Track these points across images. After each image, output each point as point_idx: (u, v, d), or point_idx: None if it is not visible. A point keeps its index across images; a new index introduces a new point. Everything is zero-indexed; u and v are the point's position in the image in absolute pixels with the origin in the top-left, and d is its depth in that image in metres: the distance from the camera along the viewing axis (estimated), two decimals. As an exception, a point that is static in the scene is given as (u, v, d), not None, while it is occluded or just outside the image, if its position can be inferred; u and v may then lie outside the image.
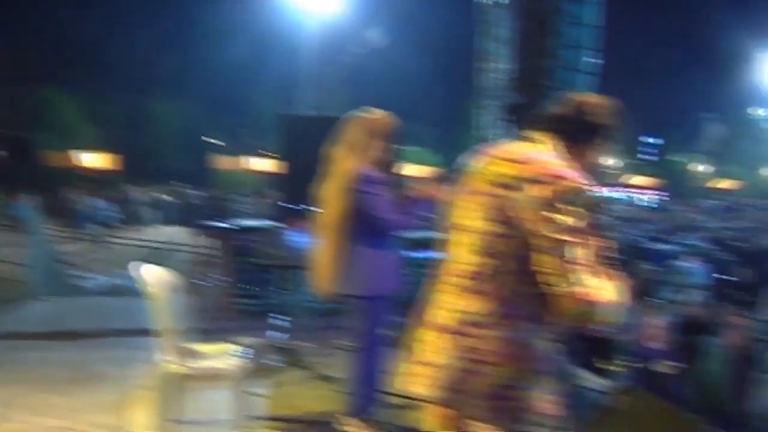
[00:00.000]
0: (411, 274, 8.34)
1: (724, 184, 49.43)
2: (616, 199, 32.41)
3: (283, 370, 5.80)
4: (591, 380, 3.24)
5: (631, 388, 3.82)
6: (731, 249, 14.75)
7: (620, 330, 2.60)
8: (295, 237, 8.12)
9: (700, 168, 47.98)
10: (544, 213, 2.10)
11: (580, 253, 2.08)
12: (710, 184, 48.16)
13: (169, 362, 4.12)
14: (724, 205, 35.10)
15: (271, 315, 6.89)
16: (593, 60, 7.90)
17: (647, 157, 49.14)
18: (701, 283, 13.04)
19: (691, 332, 6.58)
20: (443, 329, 2.26)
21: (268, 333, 6.52)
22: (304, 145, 8.38)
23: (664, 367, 6.21)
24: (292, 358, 5.79)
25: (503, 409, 2.17)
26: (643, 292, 7.99)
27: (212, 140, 38.79)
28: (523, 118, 8.32)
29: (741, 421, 5.66)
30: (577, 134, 2.35)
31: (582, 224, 2.10)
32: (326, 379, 5.65)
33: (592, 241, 2.12)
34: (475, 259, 2.24)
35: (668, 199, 33.30)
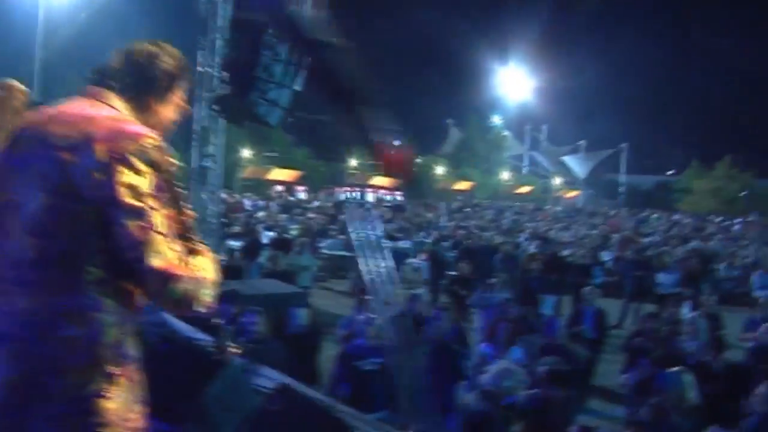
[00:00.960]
0: None
1: (462, 185, 52.75)
2: (351, 198, 33.45)
3: None
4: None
5: (284, 387, 3.56)
6: (455, 246, 15.64)
7: (219, 310, 2.31)
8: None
9: (440, 170, 50.84)
10: (117, 175, 1.78)
11: (161, 220, 1.82)
12: (449, 185, 51.18)
13: None
14: (458, 205, 37.55)
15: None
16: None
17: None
18: (426, 279, 13.70)
19: (403, 327, 6.61)
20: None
21: None
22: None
23: (372, 364, 6.16)
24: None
25: (76, 426, 1.80)
26: (362, 289, 7.98)
27: None
28: (230, 108, 7.98)
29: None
30: (139, 87, 2.03)
31: (159, 186, 1.83)
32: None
33: (172, 208, 1.86)
34: (29, 242, 1.81)
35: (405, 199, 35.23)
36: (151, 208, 1.81)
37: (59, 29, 24.96)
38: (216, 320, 2.25)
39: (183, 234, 2.00)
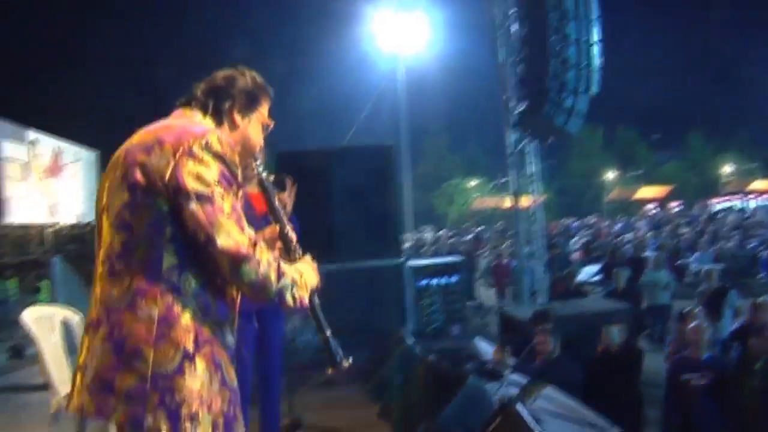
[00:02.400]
0: (429, 302, 8.11)
1: None
2: (727, 208, 30.21)
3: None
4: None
5: (505, 405, 3.25)
6: None
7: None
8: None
9: None
10: (184, 166, 1.94)
11: (229, 205, 1.95)
12: None
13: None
14: None
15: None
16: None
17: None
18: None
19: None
20: (92, 324, 2.00)
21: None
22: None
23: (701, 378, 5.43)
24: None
25: (156, 402, 1.89)
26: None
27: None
28: (531, 125, 7.78)
29: None
30: (218, 104, 2.20)
31: (225, 176, 1.97)
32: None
33: (238, 198, 2.01)
34: (115, 237, 2.00)
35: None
36: (219, 194, 1.94)
37: (420, 82, 27.14)
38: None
39: (284, 247, 2.29)
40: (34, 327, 3.84)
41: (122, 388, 1.89)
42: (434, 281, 8.12)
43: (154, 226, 1.95)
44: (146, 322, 1.92)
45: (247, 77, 2.25)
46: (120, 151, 2.08)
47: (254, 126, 2.26)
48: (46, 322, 4.00)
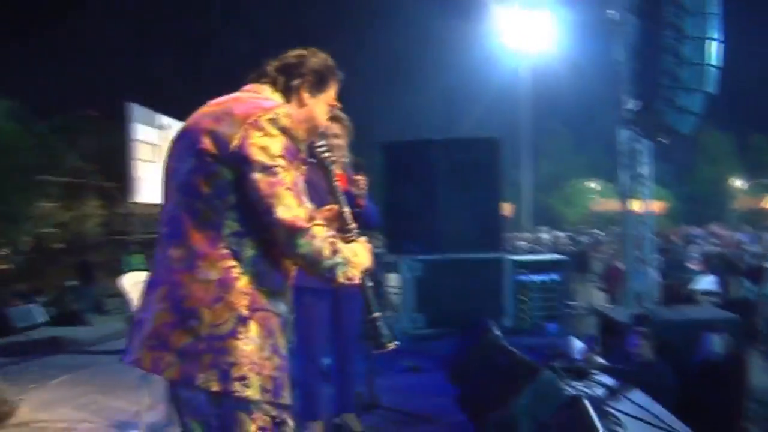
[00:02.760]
0: (531, 298, 8.04)
1: None
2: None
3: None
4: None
5: (574, 400, 3.21)
6: None
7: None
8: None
9: None
10: (250, 137, 2.01)
11: (291, 179, 2.02)
12: None
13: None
14: None
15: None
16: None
17: None
18: None
19: None
20: (152, 283, 2.12)
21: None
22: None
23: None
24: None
25: (209, 363, 1.97)
26: None
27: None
28: (641, 123, 7.56)
29: None
30: (288, 81, 2.29)
31: (289, 150, 2.05)
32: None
33: (301, 173, 2.09)
34: (179, 200, 2.10)
35: None
36: (282, 167, 2.01)
37: (544, 81, 26.71)
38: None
39: (340, 227, 2.31)
40: (132, 291, 4.11)
41: (177, 346, 1.98)
42: (534, 277, 8.05)
43: (217, 193, 2.03)
44: (204, 284, 2.00)
45: (319, 58, 2.33)
46: (190, 120, 2.18)
47: (321, 106, 2.34)
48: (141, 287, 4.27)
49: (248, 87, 2.27)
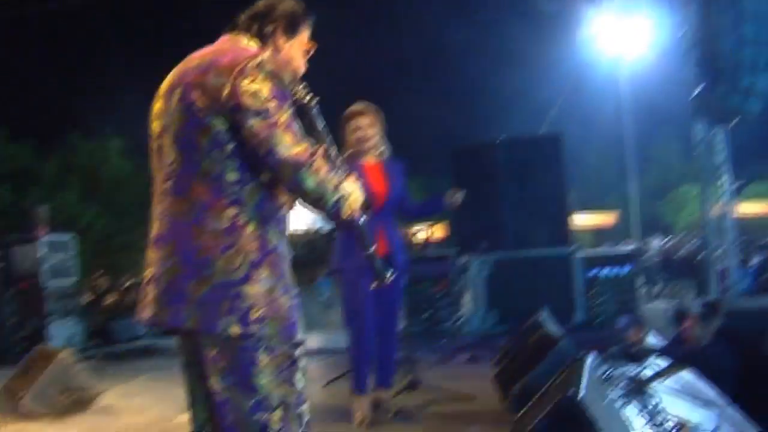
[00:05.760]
0: (598, 293, 7.89)
1: None
2: None
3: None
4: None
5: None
6: None
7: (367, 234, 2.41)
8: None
9: None
10: (240, 85, 2.04)
11: (285, 119, 2.04)
12: None
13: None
14: None
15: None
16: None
17: None
18: None
19: None
20: (158, 239, 2.17)
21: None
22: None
23: None
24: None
25: (226, 308, 2.04)
26: None
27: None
28: (706, 108, 7.38)
29: None
30: (261, 27, 2.32)
31: (279, 93, 2.07)
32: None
33: (291, 119, 2.08)
34: (177, 156, 2.15)
35: None
36: (274, 108, 2.03)
37: (647, 87, 25.96)
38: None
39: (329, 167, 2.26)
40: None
41: (194, 297, 2.04)
42: (604, 272, 7.92)
43: (214, 144, 2.07)
44: (213, 234, 2.06)
45: (288, 2, 2.36)
46: (172, 76, 2.23)
47: (296, 50, 2.37)
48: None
49: (224, 38, 2.31)
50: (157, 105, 2.24)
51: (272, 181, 2.11)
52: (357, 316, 4.42)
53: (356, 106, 4.61)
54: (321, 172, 2.05)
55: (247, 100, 2.02)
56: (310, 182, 2.03)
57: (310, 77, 2.44)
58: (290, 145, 2.01)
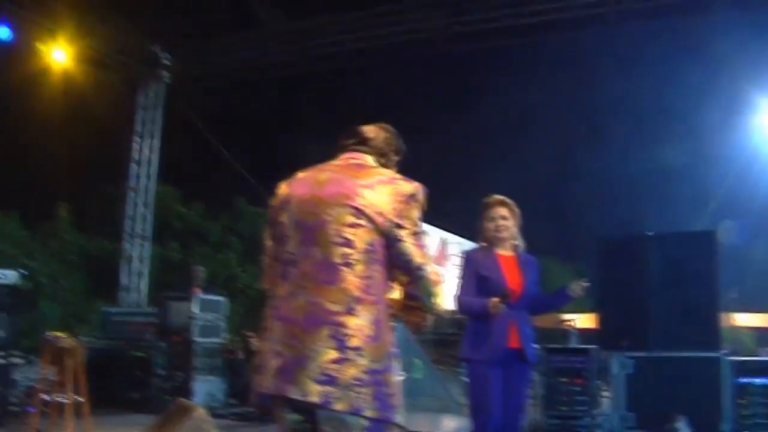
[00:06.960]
0: (749, 403, 7.33)
1: None
2: None
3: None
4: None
5: None
6: None
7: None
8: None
9: None
10: (404, 207, 2.49)
11: (425, 242, 2.55)
12: None
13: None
14: None
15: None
16: None
17: None
18: None
19: None
20: (305, 323, 2.39)
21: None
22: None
23: None
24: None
25: (375, 396, 2.33)
26: None
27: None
28: None
29: None
30: (389, 155, 2.80)
31: (421, 220, 2.53)
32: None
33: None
34: (335, 249, 2.44)
35: None
36: (421, 232, 2.53)
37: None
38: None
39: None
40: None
41: (345, 380, 2.30)
42: (756, 380, 7.40)
43: (371, 248, 2.45)
44: (366, 325, 2.37)
45: (400, 140, 2.85)
46: (331, 173, 2.61)
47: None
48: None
49: (357, 155, 2.71)
50: (315, 196, 2.55)
51: (404, 283, 2.60)
52: (483, 411, 4.43)
53: (497, 196, 4.76)
54: (440, 287, 2.57)
55: (408, 223, 2.48)
56: (436, 294, 2.57)
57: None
58: (431, 265, 2.54)
